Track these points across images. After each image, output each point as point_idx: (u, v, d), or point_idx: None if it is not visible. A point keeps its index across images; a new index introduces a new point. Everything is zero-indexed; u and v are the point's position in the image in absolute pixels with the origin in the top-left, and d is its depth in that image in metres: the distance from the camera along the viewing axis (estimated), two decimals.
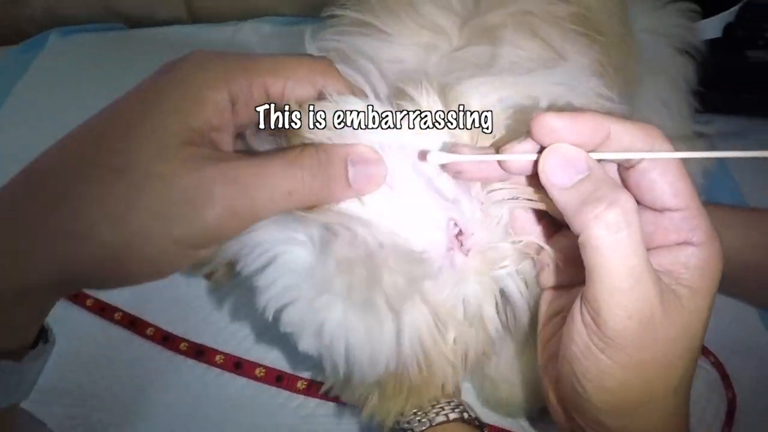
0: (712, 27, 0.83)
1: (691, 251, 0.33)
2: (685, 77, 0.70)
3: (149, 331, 0.64)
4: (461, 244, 0.38)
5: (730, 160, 0.82)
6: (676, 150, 0.33)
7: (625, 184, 0.34)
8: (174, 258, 0.33)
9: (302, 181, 0.34)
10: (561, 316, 0.37)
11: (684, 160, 0.33)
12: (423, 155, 0.35)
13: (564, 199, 0.32)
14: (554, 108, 0.37)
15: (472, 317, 0.40)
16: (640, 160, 0.32)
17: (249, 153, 0.36)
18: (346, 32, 0.44)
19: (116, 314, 0.65)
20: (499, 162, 0.34)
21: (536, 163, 0.33)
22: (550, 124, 0.31)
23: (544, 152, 0.32)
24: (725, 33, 0.83)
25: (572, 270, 0.37)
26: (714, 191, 0.76)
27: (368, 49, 0.42)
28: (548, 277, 0.39)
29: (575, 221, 0.31)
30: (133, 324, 0.65)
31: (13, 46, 1.02)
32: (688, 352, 0.34)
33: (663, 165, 0.32)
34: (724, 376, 0.62)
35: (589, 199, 0.31)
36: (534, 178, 0.34)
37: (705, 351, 0.63)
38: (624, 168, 0.34)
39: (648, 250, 0.32)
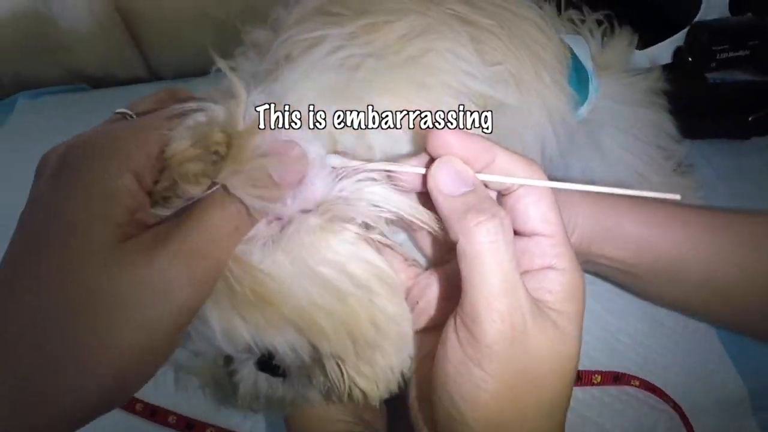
0: (661, 53, 0.82)
1: (554, 276, 0.35)
2: (656, 126, 0.70)
3: None
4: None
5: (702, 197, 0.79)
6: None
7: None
8: (164, 345, 0.33)
9: (239, 212, 0.34)
10: (431, 355, 0.37)
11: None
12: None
13: (449, 206, 0.34)
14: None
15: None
16: (518, 187, 0.35)
17: (174, 215, 0.35)
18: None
19: None
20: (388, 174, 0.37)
21: (424, 177, 0.36)
22: (445, 138, 0.35)
23: (437, 161, 0.35)
24: (675, 58, 0.81)
25: (443, 307, 0.39)
26: None
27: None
28: (419, 320, 0.40)
29: (457, 227, 0.33)
30: None
31: None
32: (559, 375, 0.35)
33: (538, 194, 0.35)
34: (685, 421, 0.61)
35: (473, 210, 0.33)
36: (423, 196, 0.37)
37: (663, 395, 0.62)
38: (501, 195, 0.37)
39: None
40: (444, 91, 0.44)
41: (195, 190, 0.35)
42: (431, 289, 0.40)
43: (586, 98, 0.66)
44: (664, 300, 0.64)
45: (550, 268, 0.35)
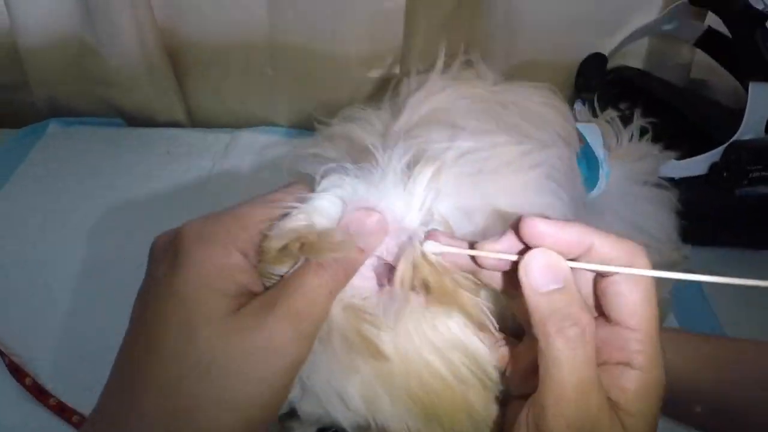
0: (698, 165, 0.84)
1: (631, 374, 0.34)
2: (667, 206, 0.71)
3: None
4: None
5: (712, 293, 0.81)
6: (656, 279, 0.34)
7: (594, 288, 0.36)
8: (279, 397, 0.37)
9: (332, 278, 0.37)
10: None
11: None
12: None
13: (536, 303, 0.33)
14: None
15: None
16: (615, 274, 0.34)
17: (276, 284, 0.39)
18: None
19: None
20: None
21: (514, 263, 0.35)
22: (540, 228, 0.34)
23: (532, 252, 0.34)
24: (710, 171, 0.84)
25: (530, 379, 0.38)
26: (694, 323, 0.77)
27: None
28: (518, 385, 0.40)
29: (539, 328, 0.33)
30: None
31: (11, 130, 1.05)
32: None
33: (634, 282, 0.34)
34: None
35: (557, 313, 0.33)
36: (506, 275, 0.37)
37: None
38: (599, 275, 0.36)
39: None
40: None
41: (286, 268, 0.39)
42: (521, 360, 0.40)
43: (595, 184, 0.68)
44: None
45: (627, 364, 0.35)
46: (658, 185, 0.72)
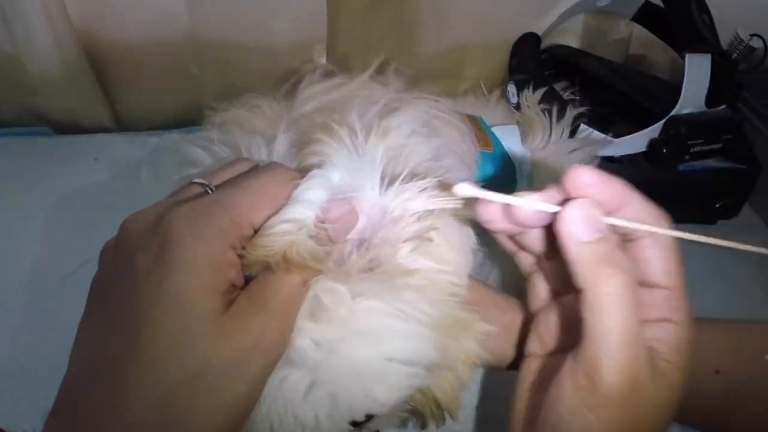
0: (637, 142, 0.82)
1: (671, 328, 0.36)
2: None
3: None
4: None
5: None
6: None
7: None
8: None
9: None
10: (541, 383, 0.39)
11: None
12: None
13: (579, 252, 0.34)
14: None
15: None
16: (644, 236, 0.36)
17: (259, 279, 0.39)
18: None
19: None
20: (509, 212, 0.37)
21: (553, 215, 0.36)
22: (584, 177, 0.35)
23: (571, 204, 0.35)
24: (650, 148, 0.82)
25: (561, 338, 0.41)
26: None
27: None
28: (535, 345, 0.43)
29: (585, 276, 0.34)
30: None
31: None
32: (662, 423, 0.37)
33: (662, 246, 0.36)
34: None
35: (604, 260, 0.34)
36: (544, 232, 0.39)
37: None
38: (625, 240, 0.37)
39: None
40: None
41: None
42: (549, 318, 0.42)
43: (514, 187, 0.68)
44: None
45: (667, 320, 0.36)
46: None
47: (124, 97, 1.01)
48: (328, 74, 0.57)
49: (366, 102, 0.51)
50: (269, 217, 0.39)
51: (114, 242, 0.40)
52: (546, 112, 0.76)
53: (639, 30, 0.99)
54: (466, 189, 0.36)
